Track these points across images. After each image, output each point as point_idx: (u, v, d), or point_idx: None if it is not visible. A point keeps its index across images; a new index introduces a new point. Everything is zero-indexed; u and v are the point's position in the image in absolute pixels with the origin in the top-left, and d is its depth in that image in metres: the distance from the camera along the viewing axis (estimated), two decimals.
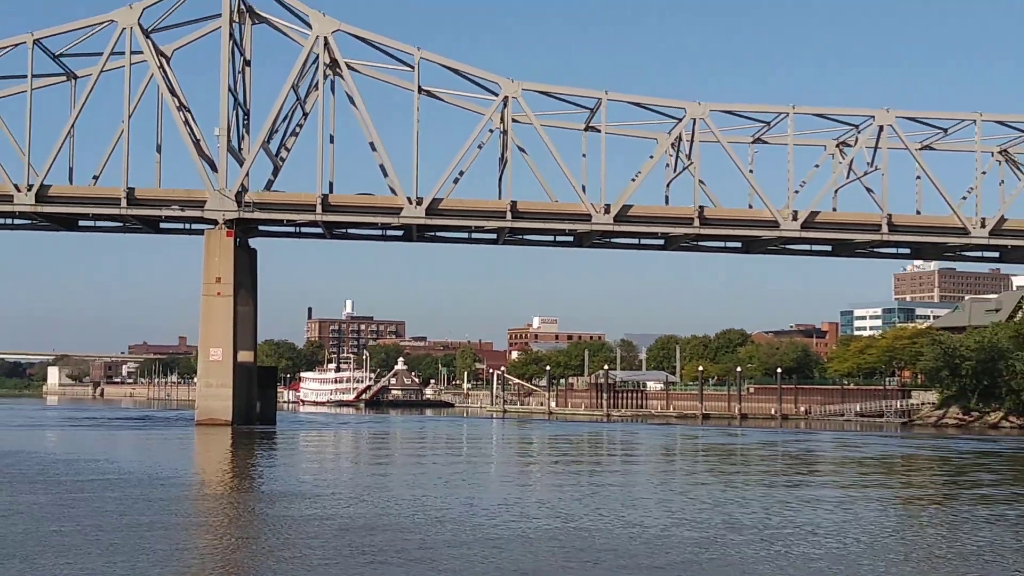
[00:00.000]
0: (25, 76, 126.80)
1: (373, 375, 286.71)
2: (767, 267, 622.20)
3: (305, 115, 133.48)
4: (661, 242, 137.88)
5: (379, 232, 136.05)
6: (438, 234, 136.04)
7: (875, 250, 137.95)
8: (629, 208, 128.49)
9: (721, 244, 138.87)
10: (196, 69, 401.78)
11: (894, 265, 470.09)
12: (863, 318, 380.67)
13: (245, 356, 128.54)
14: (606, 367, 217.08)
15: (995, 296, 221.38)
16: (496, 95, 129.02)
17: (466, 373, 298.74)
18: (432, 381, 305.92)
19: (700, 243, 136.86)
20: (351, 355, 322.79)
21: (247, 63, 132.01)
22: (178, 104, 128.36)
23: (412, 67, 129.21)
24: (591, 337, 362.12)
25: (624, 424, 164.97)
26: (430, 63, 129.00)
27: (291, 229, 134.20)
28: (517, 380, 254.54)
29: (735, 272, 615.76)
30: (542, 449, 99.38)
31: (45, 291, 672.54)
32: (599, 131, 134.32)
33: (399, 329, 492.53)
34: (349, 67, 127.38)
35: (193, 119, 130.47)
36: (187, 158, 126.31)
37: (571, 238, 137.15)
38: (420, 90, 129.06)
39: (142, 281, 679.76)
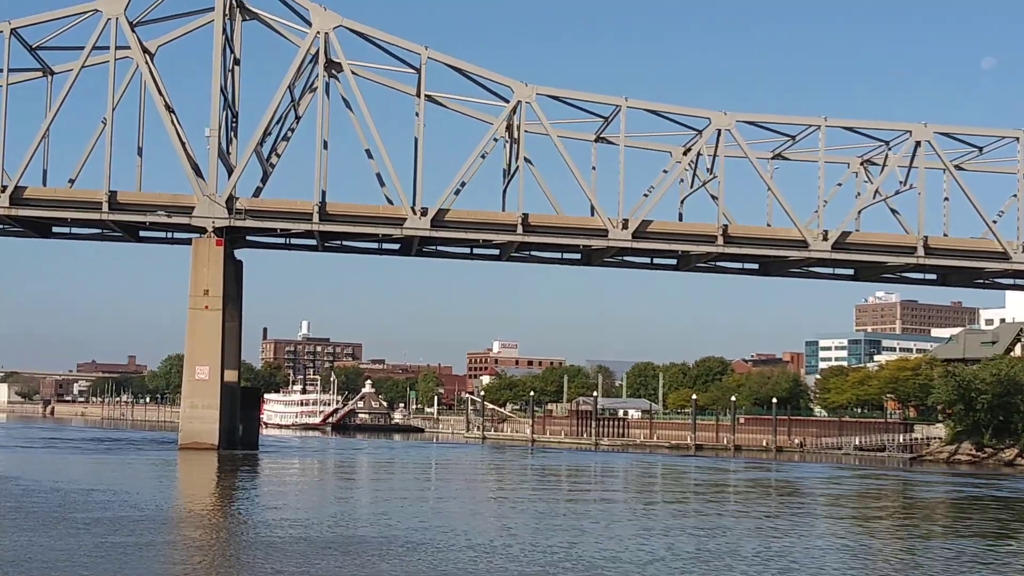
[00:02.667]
0: None
1: (340, 398, 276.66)
2: (719, 295, 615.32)
3: (298, 118, 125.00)
4: (674, 262, 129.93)
5: (375, 245, 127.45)
6: (439, 248, 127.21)
7: (903, 275, 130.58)
8: (648, 224, 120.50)
9: (739, 265, 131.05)
10: (178, 69, 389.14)
11: (855, 296, 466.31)
12: (828, 348, 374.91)
13: (229, 375, 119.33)
14: (595, 394, 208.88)
15: (991, 328, 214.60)
16: (505, 101, 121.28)
17: (435, 398, 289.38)
18: (401, 405, 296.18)
19: (719, 263, 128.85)
20: (317, 377, 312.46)
21: (236, 62, 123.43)
22: (164, 104, 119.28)
23: (416, 69, 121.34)
24: (551, 363, 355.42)
25: (626, 454, 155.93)
26: (436, 64, 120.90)
27: (280, 240, 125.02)
28: (491, 405, 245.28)
29: (688, 300, 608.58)
30: (613, 484, 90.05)
31: None
32: (610, 142, 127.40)
33: (356, 351, 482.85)
34: (347, 69, 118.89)
35: (178, 121, 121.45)
36: (168, 163, 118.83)
37: (578, 255, 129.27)
38: (423, 94, 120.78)
39: (91, 299, 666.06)
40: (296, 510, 57.54)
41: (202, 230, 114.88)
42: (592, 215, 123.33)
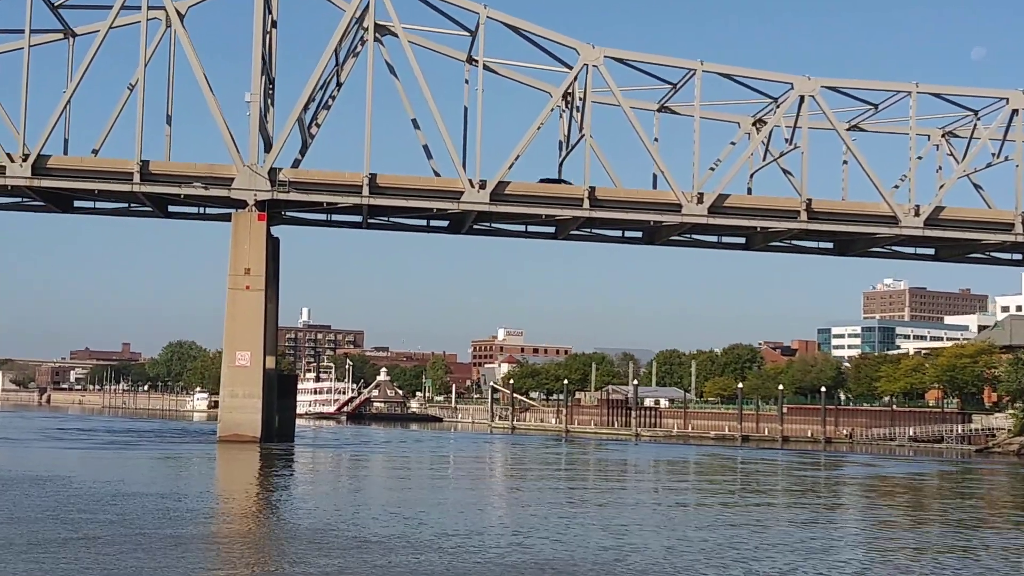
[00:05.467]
0: (17, 30, 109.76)
1: (356, 386, 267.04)
2: (717, 282, 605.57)
3: (339, 85, 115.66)
4: (743, 240, 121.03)
5: (423, 222, 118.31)
6: (493, 225, 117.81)
7: (993, 254, 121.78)
8: (724, 199, 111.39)
9: (814, 244, 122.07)
10: (202, 33, 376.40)
11: (859, 283, 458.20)
12: (841, 336, 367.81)
13: (268, 362, 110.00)
14: (635, 382, 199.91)
15: None
16: (566, 66, 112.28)
17: (452, 386, 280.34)
18: (418, 393, 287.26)
19: (795, 242, 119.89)
20: (331, 365, 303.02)
21: (274, 24, 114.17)
22: (200, 68, 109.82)
23: (470, 32, 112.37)
24: (557, 351, 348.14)
25: (678, 446, 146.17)
26: (491, 26, 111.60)
27: (321, 216, 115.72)
28: (516, 395, 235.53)
29: (689, 287, 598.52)
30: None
31: None
32: (674, 112, 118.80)
33: (357, 339, 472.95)
34: (393, 32, 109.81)
35: (210, 87, 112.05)
36: (197, 133, 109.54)
37: (640, 233, 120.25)
38: (474, 60, 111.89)
39: (83, 286, 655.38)
40: (434, 522, 46.64)
41: (242, 203, 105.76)
42: (654, 189, 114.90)
